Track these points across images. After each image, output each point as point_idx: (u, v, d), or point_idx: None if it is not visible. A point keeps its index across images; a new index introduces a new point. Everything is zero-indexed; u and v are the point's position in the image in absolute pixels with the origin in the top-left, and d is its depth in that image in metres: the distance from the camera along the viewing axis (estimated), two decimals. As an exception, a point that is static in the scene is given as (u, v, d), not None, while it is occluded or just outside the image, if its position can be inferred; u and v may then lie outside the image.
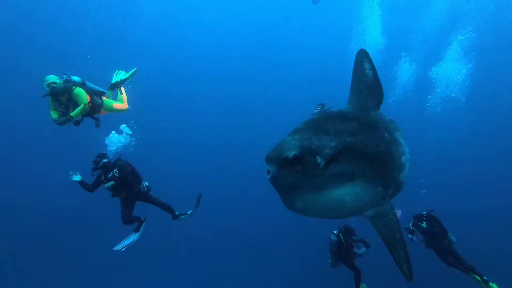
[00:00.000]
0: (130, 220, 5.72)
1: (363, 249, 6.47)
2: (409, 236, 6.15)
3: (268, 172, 1.96)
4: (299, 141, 1.93)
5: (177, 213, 6.10)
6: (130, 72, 6.31)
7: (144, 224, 5.98)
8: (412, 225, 6.23)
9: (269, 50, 22.55)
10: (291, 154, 1.87)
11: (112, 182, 5.35)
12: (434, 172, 12.57)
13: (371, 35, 13.88)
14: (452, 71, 13.32)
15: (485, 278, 5.71)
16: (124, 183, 5.46)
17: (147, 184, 5.81)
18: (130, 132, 6.53)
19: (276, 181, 1.97)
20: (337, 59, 14.11)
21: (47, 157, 16.06)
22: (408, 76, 14.29)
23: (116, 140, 6.25)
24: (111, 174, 5.44)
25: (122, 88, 6.19)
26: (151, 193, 5.91)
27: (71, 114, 5.04)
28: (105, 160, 5.50)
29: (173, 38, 21.91)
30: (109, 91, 6.05)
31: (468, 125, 15.97)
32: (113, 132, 6.31)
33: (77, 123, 5.36)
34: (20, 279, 12.61)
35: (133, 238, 5.86)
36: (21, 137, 16.75)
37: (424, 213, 6.30)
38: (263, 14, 22.64)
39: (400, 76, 14.37)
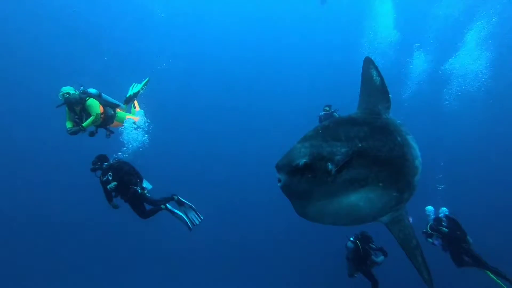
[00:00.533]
0: (148, 214, 5.71)
1: (381, 258, 6.27)
2: (430, 240, 5.98)
3: (279, 180, 1.97)
4: (309, 148, 1.94)
5: (176, 198, 5.95)
6: (143, 83, 6.48)
7: (175, 197, 5.88)
8: (430, 229, 6.07)
9: (278, 51, 22.47)
10: (301, 161, 1.88)
11: (114, 183, 5.34)
12: (452, 168, 12.15)
13: (383, 29, 13.57)
14: (469, 61, 12.78)
15: None
16: (120, 185, 5.42)
17: (145, 185, 5.72)
18: (148, 121, 6.47)
19: (287, 189, 1.99)
20: (348, 58, 13.93)
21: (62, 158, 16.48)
22: (423, 69, 13.88)
23: (131, 136, 6.11)
24: (106, 177, 5.43)
25: (136, 102, 6.37)
26: (148, 194, 5.75)
27: (83, 124, 5.27)
28: (99, 163, 5.50)
29: (184, 42, 22.14)
30: (124, 105, 6.24)
31: (488, 118, 15.35)
32: (130, 118, 6.16)
33: (92, 134, 5.57)
34: (21, 280, 12.91)
35: (183, 214, 5.81)
36: (34, 142, 17.41)
37: (442, 215, 6.14)
38: (272, 16, 22.62)
39: (415, 69, 13.98)
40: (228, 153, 18.80)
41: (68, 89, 5.23)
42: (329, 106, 9.08)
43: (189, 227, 5.84)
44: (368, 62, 2.61)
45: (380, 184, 2.01)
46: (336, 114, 8.94)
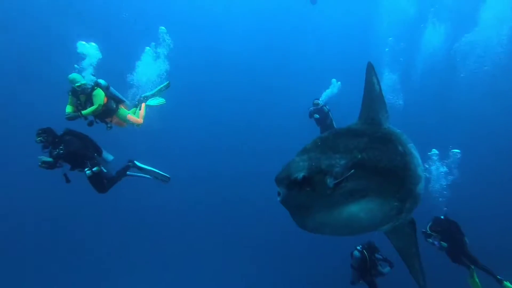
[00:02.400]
0: (106, 188, 5.51)
1: (387, 269, 6.33)
2: (429, 240, 6.16)
3: (279, 194, 2.02)
4: (307, 162, 1.97)
5: (131, 164, 5.99)
6: (159, 87, 6.65)
7: (131, 163, 5.93)
8: (430, 229, 6.22)
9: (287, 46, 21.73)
10: (300, 175, 1.91)
11: (49, 159, 5.02)
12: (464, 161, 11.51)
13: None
14: (487, 36, 12.24)
15: (499, 277, 5.89)
16: (72, 160, 5.17)
17: (105, 156, 5.54)
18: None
19: (287, 203, 2.04)
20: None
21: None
22: (437, 46, 13.40)
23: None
24: (56, 151, 5.07)
25: (143, 104, 6.47)
26: (104, 170, 5.48)
27: (83, 112, 5.42)
28: (45, 136, 5.05)
29: (190, 42, 21.37)
30: (134, 107, 6.40)
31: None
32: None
33: (90, 123, 5.70)
34: (19, 280, 13.17)
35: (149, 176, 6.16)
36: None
37: (442, 217, 6.33)
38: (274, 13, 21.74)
39: (428, 46, 13.52)
40: (237, 149, 18.39)
41: (80, 78, 5.42)
42: (318, 100, 9.05)
43: (165, 179, 6.12)
44: (371, 69, 2.61)
45: (380, 194, 2.05)
46: (325, 109, 8.98)
